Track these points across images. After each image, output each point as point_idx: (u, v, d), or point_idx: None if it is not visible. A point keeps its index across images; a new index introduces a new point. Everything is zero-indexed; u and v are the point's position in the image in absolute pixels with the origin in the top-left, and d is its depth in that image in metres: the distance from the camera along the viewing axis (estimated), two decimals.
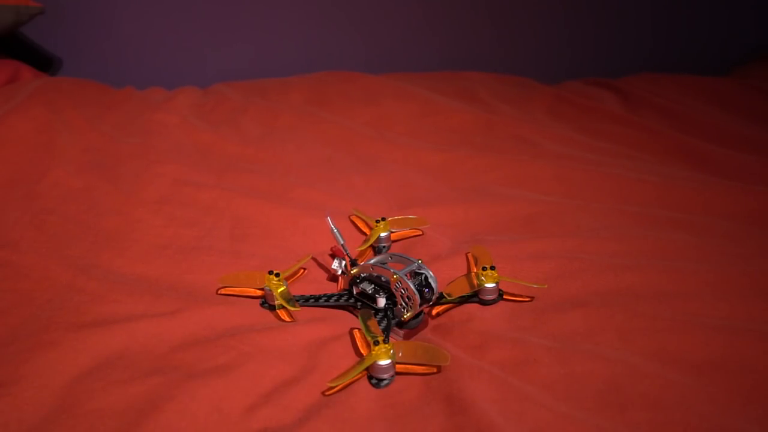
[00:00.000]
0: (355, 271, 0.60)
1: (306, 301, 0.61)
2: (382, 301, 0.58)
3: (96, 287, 0.63)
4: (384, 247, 0.71)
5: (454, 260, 0.67)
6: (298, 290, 0.64)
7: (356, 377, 0.50)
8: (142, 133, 1.04)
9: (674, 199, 0.81)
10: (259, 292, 0.62)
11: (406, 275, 0.56)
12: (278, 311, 0.60)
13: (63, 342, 0.54)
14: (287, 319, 0.59)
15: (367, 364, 0.50)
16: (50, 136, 0.97)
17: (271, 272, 0.60)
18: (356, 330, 0.56)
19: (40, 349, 0.53)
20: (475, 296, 0.60)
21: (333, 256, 0.69)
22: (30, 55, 1.46)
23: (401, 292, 0.56)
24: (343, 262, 0.63)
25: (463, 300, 0.60)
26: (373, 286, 0.59)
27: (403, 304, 0.56)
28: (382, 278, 0.58)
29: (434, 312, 0.60)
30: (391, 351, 0.50)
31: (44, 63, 1.48)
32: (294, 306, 0.58)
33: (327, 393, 0.49)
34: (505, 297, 0.60)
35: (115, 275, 0.65)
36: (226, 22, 1.51)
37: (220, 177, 0.89)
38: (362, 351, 0.53)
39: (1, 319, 0.58)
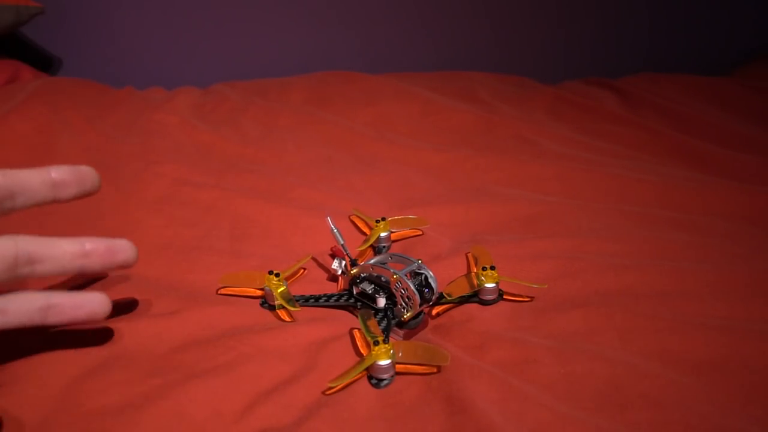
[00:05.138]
0: (355, 271, 0.60)
1: (306, 301, 0.61)
2: (382, 301, 0.58)
3: (96, 287, 0.63)
4: (384, 247, 0.71)
5: (454, 260, 0.67)
6: (298, 290, 0.64)
7: (356, 377, 0.50)
8: (142, 133, 1.04)
9: (674, 199, 0.81)
10: (259, 292, 0.62)
11: (406, 275, 0.56)
12: (278, 311, 0.60)
13: (63, 342, 0.54)
14: (287, 319, 0.59)
15: (367, 364, 0.50)
16: (50, 136, 0.97)
17: (271, 272, 0.60)
18: (356, 330, 0.56)
19: (40, 349, 0.53)
20: (475, 296, 0.60)
21: (333, 256, 0.69)
22: (30, 55, 1.46)
23: (401, 292, 0.56)
24: (343, 262, 0.63)
25: (463, 300, 0.60)
26: (373, 286, 0.59)
27: (403, 304, 0.57)
28: (382, 278, 0.58)
29: (434, 312, 0.60)
30: (391, 351, 0.50)
31: (44, 63, 1.48)
32: (294, 306, 0.58)
33: (327, 393, 0.49)
34: (505, 297, 0.60)
35: (115, 275, 0.65)
36: (226, 22, 1.51)
37: (220, 177, 0.89)
38: (362, 351, 0.53)
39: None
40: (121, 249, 0.49)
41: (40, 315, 0.45)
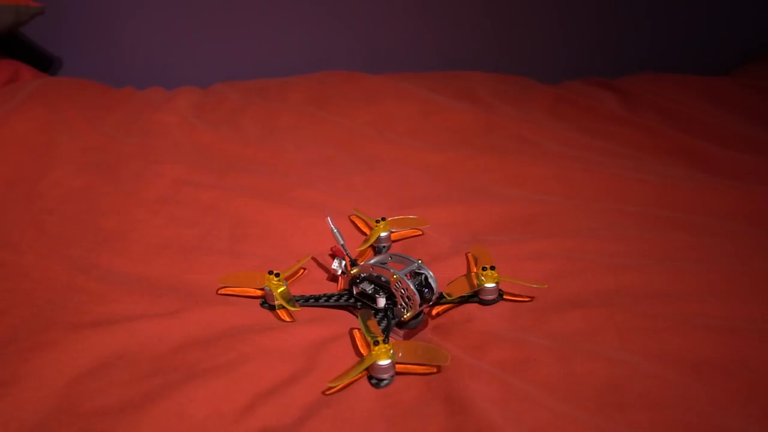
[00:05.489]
0: (355, 271, 0.60)
1: (306, 301, 0.61)
2: (382, 301, 0.58)
3: (96, 287, 0.63)
4: (384, 247, 0.71)
5: (454, 260, 0.67)
6: (298, 290, 0.64)
7: (356, 377, 0.50)
8: (142, 133, 1.04)
9: (674, 199, 0.81)
10: (259, 292, 0.62)
11: (406, 275, 0.56)
12: (278, 311, 0.60)
13: (63, 342, 0.54)
14: (287, 319, 0.59)
15: (367, 364, 0.50)
16: (50, 136, 0.97)
17: (271, 272, 0.60)
18: (356, 330, 0.56)
19: (40, 349, 0.53)
20: (475, 296, 0.60)
21: (333, 256, 0.69)
22: (30, 55, 1.46)
23: (401, 292, 0.56)
24: (343, 262, 0.63)
25: (463, 300, 0.60)
26: (373, 286, 0.59)
27: (403, 304, 0.57)
28: (382, 278, 0.58)
29: (434, 312, 0.60)
30: (391, 351, 0.50)
31: (44, 63, 1.48)
32: (294, 306, 0.58)
33: (327, 393, 0.49)
34: (505, 297, 0.60)
35: (115, 275, 0.65)
36: (226, 22, 1.51)
37: (220, 177, 0.89)
38: (362, 351, 0.53)
39: (1, 319, 0.58)
40: None
41: None
